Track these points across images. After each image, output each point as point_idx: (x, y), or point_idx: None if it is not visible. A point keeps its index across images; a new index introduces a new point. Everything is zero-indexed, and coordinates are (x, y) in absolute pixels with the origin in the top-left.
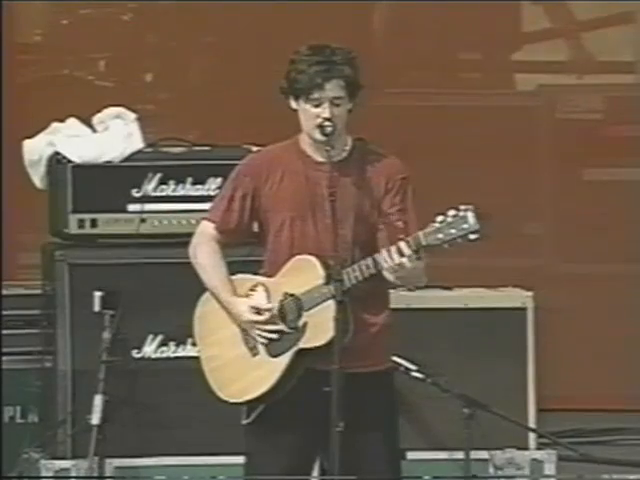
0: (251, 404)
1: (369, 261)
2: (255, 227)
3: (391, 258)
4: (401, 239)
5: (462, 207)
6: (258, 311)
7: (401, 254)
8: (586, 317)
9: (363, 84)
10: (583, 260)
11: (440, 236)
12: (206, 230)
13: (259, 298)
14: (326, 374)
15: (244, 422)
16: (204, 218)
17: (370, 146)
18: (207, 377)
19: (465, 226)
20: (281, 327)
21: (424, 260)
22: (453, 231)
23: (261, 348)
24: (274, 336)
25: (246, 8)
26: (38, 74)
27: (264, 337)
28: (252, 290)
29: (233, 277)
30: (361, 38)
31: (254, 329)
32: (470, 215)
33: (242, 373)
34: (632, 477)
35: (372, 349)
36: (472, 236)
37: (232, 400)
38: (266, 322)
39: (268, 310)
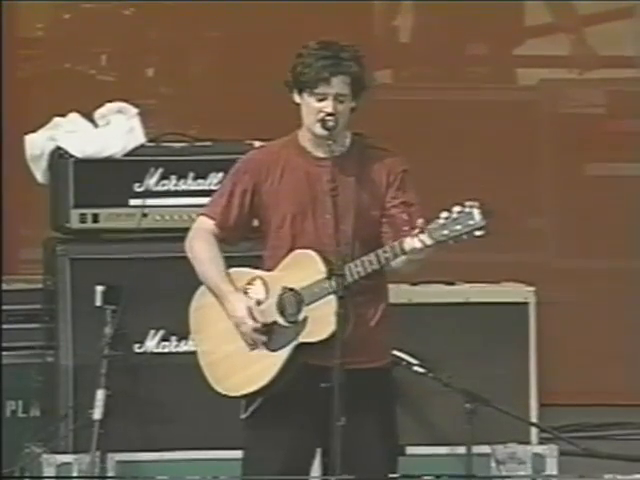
0: (249, 398)
1: (372, 257)
2: (255, 223)
3: (413, 245)
4: (421, 229)
5: (467, 203)
6: (252, 315)
7: (423, 243)
8: (588, 312)
9: (368, 85)
10: (585, 255)
11: (445, 232)
12: (204, 225)
13: (257, 292)
14: (324, 369)
15: (242, 417)
16: (202, 214)
17: (368, 141)
18: (204, 370)
19: (471, 222)
20: (278, 325)
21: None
22: (459, 227)
23: None
24: (262, 338)
25: (248, 3)
26: (39, 69)
27: (248, 339)
28: (250, 284)
29: (230, 270)
30: (364, 33)
31: (241, 328)
32: (476, 211)
33: (240, 367)
34: (635, 476)
35: (371, 345)
36: (478, 232)
37: (230, 394)
38: (255, 330)
39: (262, 317)
